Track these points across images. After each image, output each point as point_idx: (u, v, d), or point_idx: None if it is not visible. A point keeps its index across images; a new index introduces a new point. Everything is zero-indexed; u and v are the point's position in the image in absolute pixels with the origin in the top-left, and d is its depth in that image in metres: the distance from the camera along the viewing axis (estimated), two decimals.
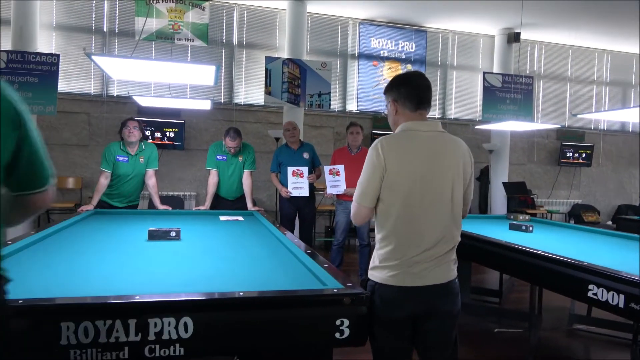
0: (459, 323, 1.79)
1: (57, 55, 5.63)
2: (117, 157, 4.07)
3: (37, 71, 5.54)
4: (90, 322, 1.34)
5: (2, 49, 5.71)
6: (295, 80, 6.36)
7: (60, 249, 2.38)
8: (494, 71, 7.61)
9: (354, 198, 1.76)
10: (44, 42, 6.21)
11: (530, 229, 3.59)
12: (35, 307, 1.35)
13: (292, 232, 4.47)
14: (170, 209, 4.22)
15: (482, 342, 3.45)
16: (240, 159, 4.46)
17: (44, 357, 1.33)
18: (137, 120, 4.17)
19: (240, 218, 3.82)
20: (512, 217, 4.21)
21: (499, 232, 3.47)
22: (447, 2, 6.49)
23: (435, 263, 1.66)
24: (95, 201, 4.01)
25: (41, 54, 5.60)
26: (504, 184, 7.52)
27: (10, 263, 2.01)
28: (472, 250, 3.13)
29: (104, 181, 4.06)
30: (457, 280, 1.73)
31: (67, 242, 2.58)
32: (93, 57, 2.72)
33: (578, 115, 5.80)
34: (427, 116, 1.80)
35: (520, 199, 7.87)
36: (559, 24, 7.23)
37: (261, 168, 6.99)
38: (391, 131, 1.82)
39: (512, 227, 3.73)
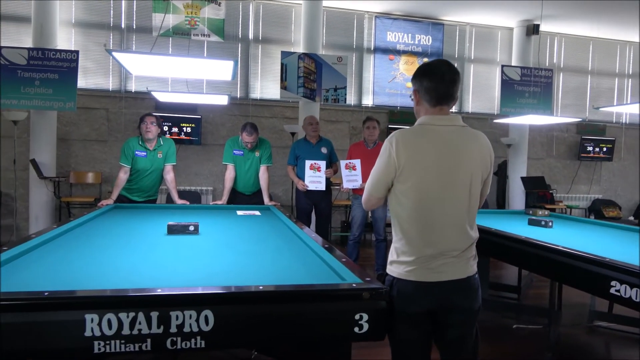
0: (479, 319, 1.77)
1: (77, 52, 5.71)
2: (136, 152, 4.13)
3: (57, 68, 5.62)
4: (113, 314, 1.36)
5: (23, 46, 5.81)
6: (311, 74, 6.35)
7: (81, 242, 2.43)
8: (513, 64, 7.50)
9: (365, 185, 1.82)
10: (64, 39, 6.30)
11: (550, 224, 3.54)
12: (61, 298, 1.38)
13: (309, 227, 4.48)
14: (188, 203, 4.27)
15: (500, 338, 3.43)
16: (257, 153, 4.48)
17: (70, 348, 1.36)
18: (155, 116, 4.21)
19: (257, 212, 3.84)
20: (530, 212, 4.16)
21: (518, 228, 3.43)
22: None
23: (454, 259, 1.65)
24: (114, 195, 4.07)
25: (61, 51, 5.69)
26: (523, 178, 7.42)
27: (34, 256, 2.06)
28: (490, 246, 3.09)
29: (123, 176, 4.11)
30: (477, 276, 1.72)
31: (88, 236, 2.63)
32: (113, 53, 2.75)
33: (599, 109, 5.67)
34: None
35: (539, 194, 7.76)
36: (580, 16, 7.08)
37: (277, 163, 7.01)
38: (407, 124, 1.80)
39: (531, 222, 3.68)
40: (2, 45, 5.67)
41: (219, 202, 4.37)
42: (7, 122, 5.81)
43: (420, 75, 1.72)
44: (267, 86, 7.09)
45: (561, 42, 8.21)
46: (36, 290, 1.43)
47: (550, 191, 8.00)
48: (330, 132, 7.05)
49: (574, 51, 8.29)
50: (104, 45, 6.42)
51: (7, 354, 1.36)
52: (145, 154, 4.15)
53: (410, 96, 1.83)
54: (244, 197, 4.52)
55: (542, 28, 7.27)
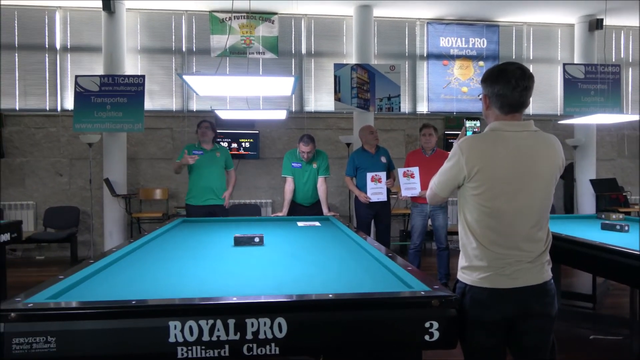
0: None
1: (143, 77, 6.09)
2: (194, 152, 4.55)
3: (126, 92, 6.02)
4: (194, 321, 1.44)
5: (95, 74, 6.27)
6: (364, 85, 6.39)
7: (156, 255, 2.57)
8: (575, 62, 7.16)
9: (432, 181, 1.83)
10: (131, 65, 6.73)
11: (626, 228, 3.34)
12: (147, 306, 1.48)
13: (369, 236, 4.48)
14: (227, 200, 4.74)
15: (577, 349, 3.25)
16: (315, 165, 4.55)
17: (156, 354, 1.45)
18: (210, 122, 4.75)
19: (317, 223, 3.90)
20: (603, 216, 3.94)
21: (590, 233, 3.26)
22: None
23: (529, 264, 1.61)
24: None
25: (129, 76, 6.08)
26: (592, 181, 7.02)
27: (115, 269, 2.21)
28: (561, 252, 2.96)
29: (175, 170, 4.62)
30: (552, 281, 1.67)
31: (161, 249, 2.78)
32: (184, 76, 2.93)
33: None
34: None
35: (611, 197, 7.31)
36: None
37: (334, 173, 7.07)
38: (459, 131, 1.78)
39: (605, 227, 3.49)
40: (77, 74, 6.13)
41: (280, 214, 4.47)
42: (83, 144, 6.26)
43: (491, 80, 1.66)
44: (321, 98, 7.20)
45: (628, 35, 7.74)
46: (123, 300, 1.55)
47: (624, 194, 7.51)
48: (386, 141, 7.03)
49: None
50: (175, 70, 6.80)
51: (99, 358, 1.47)
52: (202, 152, 4.61)
53: (479, 97, 1.79)
54: (303, 208, 4.60)
55: (606, 22, 6.90)
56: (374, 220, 4.85)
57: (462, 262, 1.71)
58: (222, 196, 4.74)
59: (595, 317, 3.88)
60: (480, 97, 1.77)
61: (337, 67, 6.39)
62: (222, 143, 6.70)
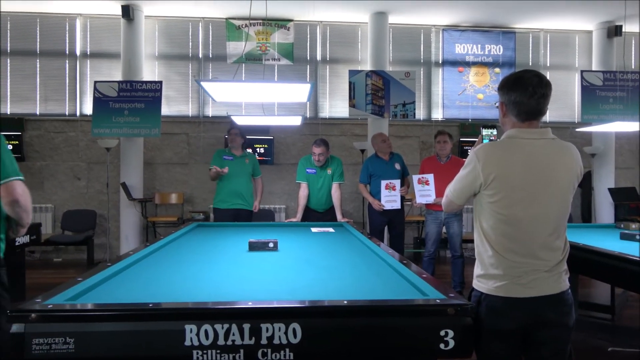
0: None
1: (160, 82, 6.18)
2: (224, 157, 4.67)
3: (144, 98, 6.11)
4: (210, 325, 1.45)
5: (114, 80, 6.38)
6: (378, 91, 6.39)
7: (171, 259, 2.60)
8: (593, 69, 7.07)
9: (447, 188, 1.82)
10: (149, 71, 6.84)
11: None
12: (164, 309, 1.50)
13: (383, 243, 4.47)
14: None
15: None
16: (329, 171, 4.56)
17: (171, 356, 1.46)
18: (239, 128, 4.86)
19: (331, 229, 3.90)
20: (622, 225, 3.87)
21: (609, 242, 3.20)
22: (535, 1, 6.18)
23: (546, 273, 1.59)
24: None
25: (146, 82, 6.18)
26: (610, 190, 6.91)
27: (132, 272, 2.23)
28: (579, 262, 2.91)
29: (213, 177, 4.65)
30: (570, 291, 1.64)
31: (176, 253, 2.81)
32: (202, 82, 2.97)
33: None
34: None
35: (630, 206, 7.17)
36: None
37: (347, 180, 7.05)
38: (476, 139, 1.77)
39: (624, 237, 3.43)
40: (96, 80, 6.25)
41: (293, 220, 4.48)
42: (101, 149, 6.36)
43: (508, 88, 1.65)
44: (335, 105, 7.22)
45: None
46: (140, 302, 1.57)
47: None
48: (400, 147, 7.01)
49: None
50: (193, 77, 6.90)
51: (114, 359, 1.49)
52: (231, 158, 4.73)
53: (496, 104, 1.79)
54: (317, 214, 4.61)
55: (626, 28, 6.81)
56: (387, 227, 4.83)
57: (477, 270, 1.70)
58: (253, 207, 4.84)
59: (613, 328, 3.81)
60: (497, 104, 1.76)
61: (352, 73, 6.41)
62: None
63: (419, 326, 1.53)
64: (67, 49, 6.86)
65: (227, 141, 4.89)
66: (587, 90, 6.48)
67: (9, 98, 6.74)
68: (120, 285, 1.96)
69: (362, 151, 6.53)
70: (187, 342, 1.45)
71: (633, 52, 7.58)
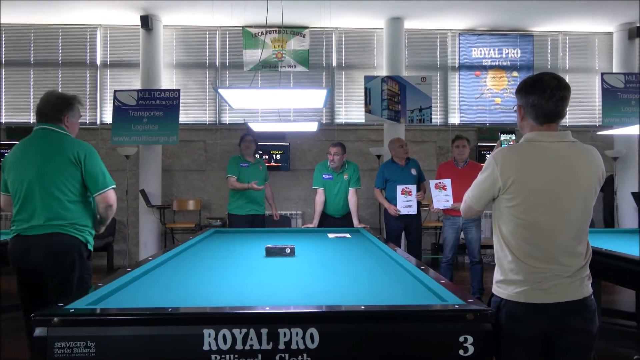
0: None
1: (178, 91, 6.27)
2: (241, 164, 4.77)
3: (162, 106, 6.20)
4: (228, 330, 1.46)
5: (133, 88, 6.49)
6: (395, 96, 6.37)
7: (190, 264, 2.62)
8: (614, 71, 6.94)
9: (466, 194, 1.80)
10: (167, 80, 6.94)
11: None
12: (183, 314, 1.51)
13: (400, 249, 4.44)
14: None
15: None
16: (345, 177, 4.56)
17: None
18: (252, 135, 5.00)
19: (348, 235, 3.89)
20: None
21: (633, 247, 3.13)
22: (554, 3, 6.11)
23: (568, 279, 1.56)
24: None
25: (165, 91, 6.27)
26: (634, 194, 6.75)
27: (151, 277, 2.25)
28: (602, 268, 2.85)
29: (234, 182, 4.73)
30: (592, 297, 1.61)
31: (195, 258, 2.83)
32: (219, 90, 3.00)
33: None
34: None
35: None
36: None
37: (364, 185, 7.00)
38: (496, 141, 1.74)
39: None
40: (116, 89, 6.37)
41: (310, 226, 4.48)
42: (120, 156, 6.47)
43: (526, 91, 1.64)
44: (351, 111, 7.22)
45: None
46: (159, 307, 1.59)
47: None
48: (417, 152, 6.98)
49: None
50: (211, 85, 6.98)
51: None
52: (247, 165, 4.85)
53: (514, 108, 1.77)
54: (333, 220, 4.61)
55: None
56: (404, 232, 4.80)
57: (497, 275, 1.68)
58: (274, 215, 5.06)
59: (639, 335, 3.70)
60: (515, 108, 1.74)
61: (368, 79, 6.41)
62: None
63: (438, 332, 1.52)
64: (87, 59, 7.01)
65: (245, 147, 4.93)
66: (608, 92, 6.36)
67: (31, 108, 6.91)
68: (140, 290, 1.98)
69: (379, 156, 6.51)
70: (206, 347, 1.45)
71: None
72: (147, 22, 6.37)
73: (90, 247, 2.52)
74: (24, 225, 2.37)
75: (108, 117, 6.87)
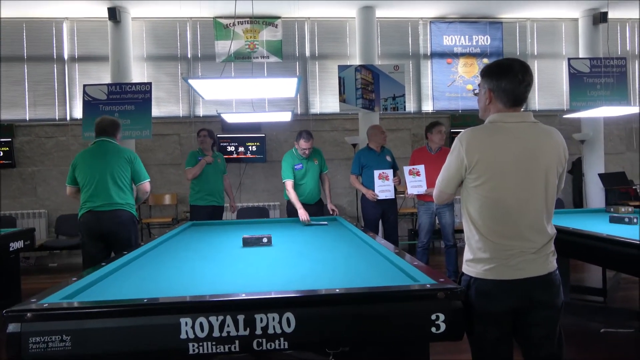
0: (562, 322, 1.72)
1: (150, 84, 6.15)
2: (199, 158, 4.87)
3: (134, 100, 6.07)
4: (205, 318, 1.47)
5: (103, 82, 6.35)
6: (368, 85, 6.40)
7: (167, 257, 2.62)
8: (580, 56, 7.13)
9: (437, 181, 1.85)
10: (138, 73, 6.81)
11: (635, 220, 3.33)
12: (159, 304, 1.51)
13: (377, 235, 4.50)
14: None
15: (588, 343, 3.24)
16: (315, 161, 4.61)
17: (168, 349, 1.48)
18: (207, 130, 5.06)
19: (325, 223, 3.92)
20: (612, 209, 3.92)
21: (599, 226, 3.25)
22: None
23: (534, 255, 1.63)
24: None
25: (136, 84, 6.14)
26: (601, 175, 6.98)
27: (127, 271, 2.25)
28: (570, 246, 2.95)
29: (188, 172, 4.92)
30: (557, 272, 1.68)
31: (172, 251, 2.83)
32: (190, 80, 2.98)
33: None
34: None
35: (621, 191, 7.25)
36: None
37: (340, 175, 7.11)
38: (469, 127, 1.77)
39: (613, 220, 3.48)
40: (85, 83, 6.22)
41: (301, 211, 4.19)
42: None
43: (496, 75, 1.69)
44: (326, 100, 7.23)
45: (633, 28, 7.69)
46: (136, 298, 1.59)
47: (634, 187, 7.45)
48: (392, 140, 7.04)
49: None
50: (181, 75, 6.88)
51: (113, 356, 1.51)
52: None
53: (475, 90, 1.82)
54: (308, 207, 4.59)
55: (610, 15, 6.86)
56: (381, 219, 4.86)
57: (467, 254, 1.73)
58: (230, 206, 5.29)
59: (606, 310, 3.86)
60: (477, 92, 1.79)
61: (341, 68, 6.42)
62: (228, 147, 6.81)
63: (411, 311, 1.56)
64: (54, 54, 6.82)
65: (200, 142, 5.08)
66: (575, 77, 6.53)
67: None
68: (116, 283, 1.97)
69: (354, 145, 6.56)
70: (183, 335, 1.47)
71: (619, 38, 7.65)
72: (114, 14, 6.22)
73: (137, 217, 3.68)
74: (96, 204, 3.45)
75: (78, 113, 6.72)
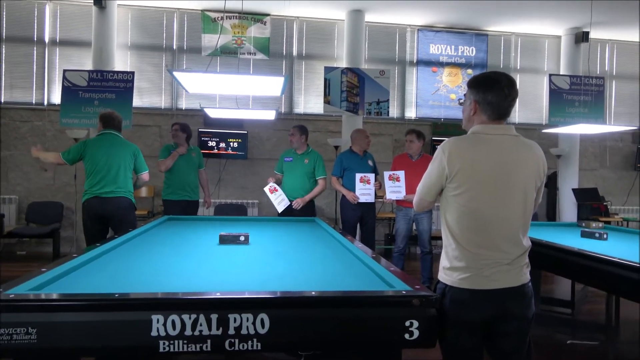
0: (531, 333, 1.75)
1: (132, 73, 6.05)
2: (172, 151, 4.82)
3: (115, 88, 5.97)
4: (177, 316, 1.45)
5: (84, 69, 6.22)
6: (353, 88, 6.43)
7: (141, 251, 2.57)
8: (561, 73, 7.30)
9: (417, 188, 1.85)
10: (120, 62, 6.68)
11: (605, 236, 3.42)
12: (130, 300, 1.48)
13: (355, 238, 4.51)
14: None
15: (554, 354, 3.31)
16: (306, 161, 4.63)
17: (138, 347, 1.45)
18: (180, 124, 5.04)
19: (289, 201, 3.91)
20: (583, 224, 4.02)
21: (570, 240, 3.33)
22: (509, 3, 6.33)
23: (508, 266, 1.65)
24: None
25: (118, 72, 6.04)
26: (574, 190, 7.15)
27: (99, 263, 2.20)
28: (542, 258, 3.02)
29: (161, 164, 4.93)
30: (530, 284, 1.71)
31: (146, 245, 2.78)
32: (174, 72, 2.93)
33: None
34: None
35: (593, 206, 7.44)
36: (632, 21, 6.81)
37: None
38: (451, 136, 1.79)
39: (584, 235, 3.57)
40: (65, 69, 6.08)
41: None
42: (69, 139, 6.18)
43: (483, 87, 1.71)
44: (310, 101, 7.23)
45: (613, 49, 7.91)
46: (107, 292, 1.55)
47: (605, 203, 7.65)
48: (374, 145, 7.04)
49: (627, 58, 7.95)
50: (165, 66, 6.77)
51: (80, 350, 1.47)
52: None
53: (460, 100, 1.84)
54: (290, 206, 4.62)
55: (592, 35, 7.05)
56: (359, 222, 4.88)
57: (443, 262, 1.75)
58: (204, 200, 5.16)
59: (573, 322, 3.95)
60: (462, 102, 1.81)
61: (328, 70, 6.43)
62: (209, 142, 6.74)
63: (385, 317, 1.57)
64: (35, 36, 6.64)
65: (173, 135, 5.02)
66: (555, 93, 6.68)
67: None
68: (87, 276, 1.93)
69: (337, 147, 6.56)
70: (154, 333, 1.44)
71: (598, 58, 7.85)
72: None
73: (135, 204, 4.12)
74: (102, 190, 3.85)
75: (56, 98, 6.55)
